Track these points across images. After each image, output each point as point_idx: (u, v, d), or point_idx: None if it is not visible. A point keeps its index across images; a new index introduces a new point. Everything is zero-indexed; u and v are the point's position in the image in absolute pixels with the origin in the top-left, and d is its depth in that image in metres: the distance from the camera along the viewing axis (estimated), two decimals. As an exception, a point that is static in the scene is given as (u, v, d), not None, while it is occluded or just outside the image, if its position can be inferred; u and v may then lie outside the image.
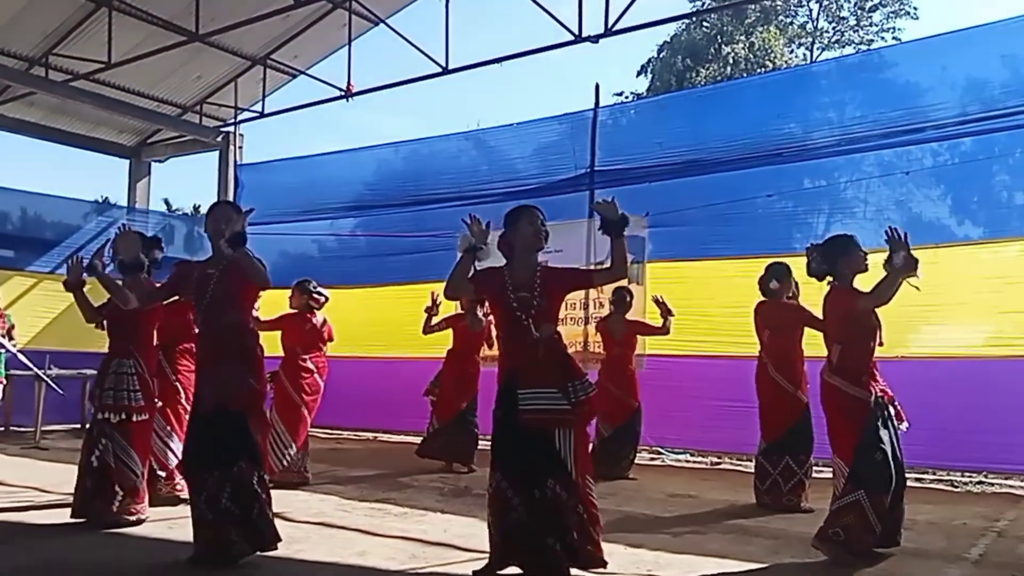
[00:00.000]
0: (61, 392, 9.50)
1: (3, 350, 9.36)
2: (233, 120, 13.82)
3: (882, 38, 24.83)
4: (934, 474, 7.38)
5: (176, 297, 4.75)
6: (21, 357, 9.38)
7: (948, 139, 7.44)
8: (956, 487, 7.09)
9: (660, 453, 8.42)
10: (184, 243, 13.02)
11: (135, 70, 11.86)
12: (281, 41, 12.58)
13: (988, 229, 7.45)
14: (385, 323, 10.10)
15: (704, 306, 8.14)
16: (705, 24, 24.87)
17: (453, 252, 10.16)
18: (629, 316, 7.41)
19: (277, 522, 5.03)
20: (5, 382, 9.49)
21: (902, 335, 7.36)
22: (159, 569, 4.10)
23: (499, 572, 3.86)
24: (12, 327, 9.54)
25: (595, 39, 9.24)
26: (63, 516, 5.16)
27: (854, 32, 25.80)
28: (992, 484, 7.10)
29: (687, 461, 8.41)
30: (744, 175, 8.16)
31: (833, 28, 26.33)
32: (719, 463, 8.22)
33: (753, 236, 8.13)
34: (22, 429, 9.79)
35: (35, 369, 9.23)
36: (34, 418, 9.37)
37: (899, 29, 24.91)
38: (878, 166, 7.93)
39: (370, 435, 10.42)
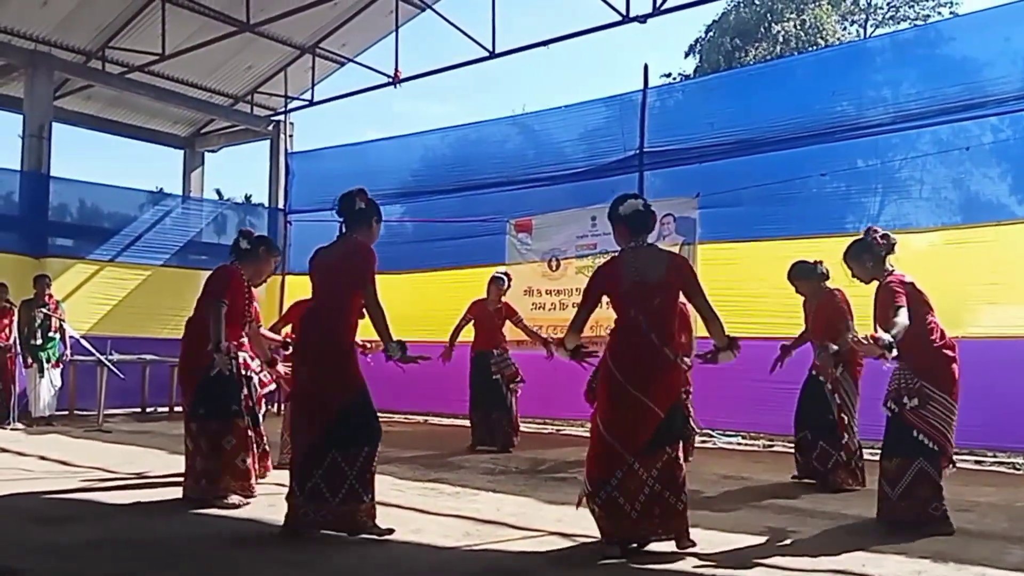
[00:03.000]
0: (122, 377, 9.77)
1: (56, 337, 9.66)
2: (283, 109, 14.03)
3: (938, 13, 24.15)
4: (995, 456, 7.22)
5: None
6: (84, 343, 9.67)
7: (1009, 113, 7.21)
8: (1018, 469, 6.93)
9: (711, 436, 8.36)
10: (236, 232, 13.25)
11: (188, 61, 12.12)
12: (329, 30, 12.75)
13: (1051, 207, 7.22)
14: (434, 308, 10.15)
15: (756, 287, 8.03)
16: (755, 2, 24.45)
17: (501, 237, 10.22)
18: None
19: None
20: (61, 365, 9.79)
21: (962, 315, 7.18)
22: (231, 542, 4.21)
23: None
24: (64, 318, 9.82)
25: (643, 19, 9.19)
26: (128, 495, 5.39)
27: (909, 7, 25.15)
28: (1055, 466, 6.93)
29: (738, 444, 8.35)
30: (796, 154, 8.01)
31: (887, 4, 25.69)
32: (771, 445, 8.15)
33: (805, 216, 8.00)
34: (85, 413, 10.09)
35: (97, 354, 9.50)
36: (97, 402, 9.66)
37: (956, 3, 24.24)
38: (934, 144, 7.72)
39: (421, 418, 10.52)
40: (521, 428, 8.24)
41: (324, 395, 4.24)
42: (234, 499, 5.00)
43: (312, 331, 4.37)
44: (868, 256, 4.81)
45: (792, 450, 6.37)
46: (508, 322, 8.14)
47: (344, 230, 4.48)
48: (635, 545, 3.96)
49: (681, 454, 4.02)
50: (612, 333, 4.15)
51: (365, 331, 4.51)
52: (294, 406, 4.55)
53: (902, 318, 4.33)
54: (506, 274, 8.31)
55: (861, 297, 5.39)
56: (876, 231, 4.85)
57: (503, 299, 8.19)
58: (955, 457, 6.82)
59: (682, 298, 5.70)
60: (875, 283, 4.82)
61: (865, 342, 4.13)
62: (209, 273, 5.34)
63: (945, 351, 4.59)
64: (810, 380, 6.11)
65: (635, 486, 3.89)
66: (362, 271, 4.29)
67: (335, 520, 4.18)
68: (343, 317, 4.31)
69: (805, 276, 6.20)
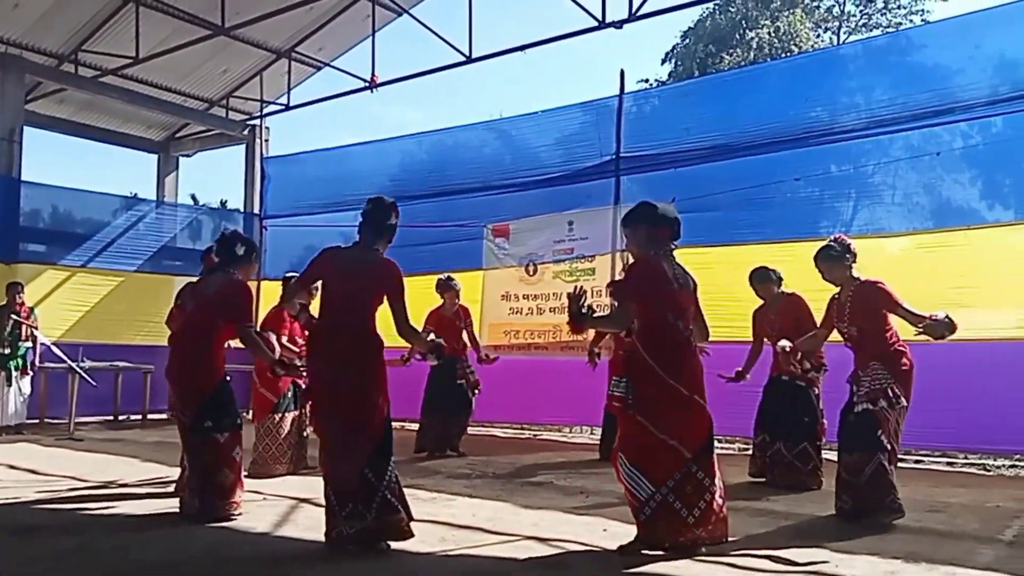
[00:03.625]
0: (94, 384, 9.66)
1: (28, 344, 9.53)
2: (259, 113, 13.95)
3: (910, 21, 24.45)
4: (966, 458, 7.31)
5: None
6: (55, 350, 9.55)
7: (978, 119, 7.29)
8: (988, 471, 7.02)
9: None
10: (211, 237, 13.15)
11: (163, 65, 12.01)
12: (306, 34, 12.69)
13: (1020, 211, 7.29)
14: (411, 313, 10.10)
15: (731, 291, 8.05)
16: (730, 9, 24.65)
17: (478, 242, 10.21)
18: None
19: (307, 508, 5.16)
20: (31, 373, 9.63)
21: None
22: (213, 552, 4.17)
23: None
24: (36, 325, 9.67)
25: (619, 24, 9.21)
26: (99, 504, 5.32)
27: (882, 15, 25.44)
28: (1025, 467, 7.02)
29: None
30: (770, 159, 8.08)
31: (860, 11, 25.97)
32: (746, 449, 8.17)
33: (780, 221, 8.06)
34: (56, 421, 9.95)
35: (68, 361, 9.38)
36: (68, 410, 9.53)
37: (927, 11, 24.56)
38: (906, 150, 7.81)
39: (399, 424, 10.45)
40: (498, 434, 8.24)
41: (372, 409, 4.15)
42: (232, 511, 4.89)
43: (347, 351, 4.21)
44: (850, 258, 4.97)
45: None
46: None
47: (363, 236, 4.39)
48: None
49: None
50: (647, 338, 4.08)
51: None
52: (327, 421, 4.27)
53: (914, 309, 4.66)
54: (449, 277, 8.23)
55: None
56: (842, 239, 5.04)
57: (457, 302, 8.15)
58: (926, 458, 7.03)
59: None
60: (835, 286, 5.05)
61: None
62: (216, 284, 5.05)
63: (907, 356, 4.80)
64: (776, 382, 6.20)
65: (694, 491, 3.91)
66: (401, 289, 4.30)
67: (371, 534, 4.07)
68: (374, 329, 4.27)
69: (766, 281, 6.37)
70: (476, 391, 8.02)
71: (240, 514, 4.88)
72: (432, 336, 4.53)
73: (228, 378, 5.16)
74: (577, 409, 9.01)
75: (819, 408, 6.03)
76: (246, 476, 5.52)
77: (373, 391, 4.18)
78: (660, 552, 3.96)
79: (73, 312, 10.87)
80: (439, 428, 7.90)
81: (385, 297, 4.30)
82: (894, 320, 4.85)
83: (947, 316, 4.46)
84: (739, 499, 5.54)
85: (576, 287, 4.12)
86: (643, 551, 3.97)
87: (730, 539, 4.06)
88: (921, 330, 4.55)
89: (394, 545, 4.15)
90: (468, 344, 8.14)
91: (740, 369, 6.29)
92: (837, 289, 5.10)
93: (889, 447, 4.65)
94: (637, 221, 4.21)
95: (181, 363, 5.02)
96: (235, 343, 5.46)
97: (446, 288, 8.09)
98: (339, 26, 12.58)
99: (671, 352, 4.05)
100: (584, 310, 4.05)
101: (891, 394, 4.66)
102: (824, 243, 5.12)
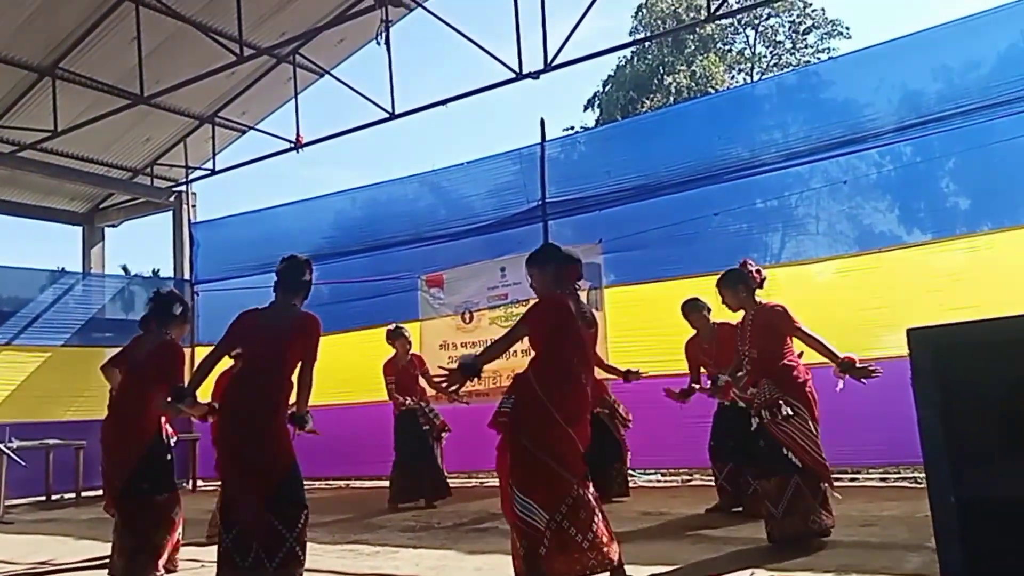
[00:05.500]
0: (24, 464, 9.32)
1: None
2: (185, 180, 13.82)
3: (818, 59, 25.52)
4: (899, 472, 7.50)
5: None
6: (-20, 433, 9.21)
7: (888, 145, 7.60)
8: (919, 483, 7.21)
9: (632, 475, 8.44)
10: (143, 306, 12.89)
11: (83, 136, 11.87)
12: (228, 99, 12.69)
13: (935, 232, 7.62)
14: (348, 369, 10.03)
15: (663, 326, 8.20)
16: (647, 56, 25.43)
17: (414, 293, 10.25)
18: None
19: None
20: None
21: (859, 339, 7.47)
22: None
23: None
24: None
25: (535, 75, 9.44)
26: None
27: (791, 55, 26.52)
28: (955, 478, 7.21)
29: (658, 481, 8.45)
30: (693, 196, 8.31)
31: (770, 52, 27.04)
32: (690, 480, 8.28)
33: (707, 255, 8.22)
34: (-16, 507, 9.54)
35: (-4, 443, 9.06)
36: (-4, 493, 9.17)
37: (833, 49, 25.70)
38: (825, 180, 8.12)
39: (341, 483, 10.32)
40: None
41: (268, 462, 4.12)
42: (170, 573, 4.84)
43: (253, 399, 4.21)
44: (743, 287, 5.08)
45: (711, 482, 6.52)
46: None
47: (277, 295, 4.38)
48: None
49: None
50: (540, 367, 4.03)
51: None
52: (226, 476, 4.30)
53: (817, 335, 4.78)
54: (398, 327, 8.27)
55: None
56: (751, 264, 5.14)
57: (410, 350, 8.19)
58: (860, 476, 7.15)
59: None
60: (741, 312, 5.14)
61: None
62: (150, 344, 5.09)
63: (798, 369, 4.89)
64: (728, 409, 6.23)
65: (586, 515, 3.84)
66: (315, 344, 4.25)
67: None
68: (287, 385, 4.23)
69: (699, 311, 6.51)
70: (444, 434, 8.03)
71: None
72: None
73: (174, 440, 5.11)
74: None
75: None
76: (206, 539, 5.44)
77: (274, 444, 4.16)
78: None
79: (-2, 391, 10.53)
80: (407, 479, 7.85)
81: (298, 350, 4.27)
82: (797, 344, 4.99)
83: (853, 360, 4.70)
84: (684, 530, 5.64)
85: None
86: None
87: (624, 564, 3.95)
88: (836, 365, 4.74)
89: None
90: (427, 390, 8.11)
91: (685, 389, 6.37)
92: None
93: (800, 464, 4.65)
94: (546, 261, 4.20)
95: (115, 427, 4.99)
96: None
97: (396, 337, 8.09)
98: (261, 89, 12.62)
99: (560, 385, 3.99)
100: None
101: (781, 403, 4.72)
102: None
